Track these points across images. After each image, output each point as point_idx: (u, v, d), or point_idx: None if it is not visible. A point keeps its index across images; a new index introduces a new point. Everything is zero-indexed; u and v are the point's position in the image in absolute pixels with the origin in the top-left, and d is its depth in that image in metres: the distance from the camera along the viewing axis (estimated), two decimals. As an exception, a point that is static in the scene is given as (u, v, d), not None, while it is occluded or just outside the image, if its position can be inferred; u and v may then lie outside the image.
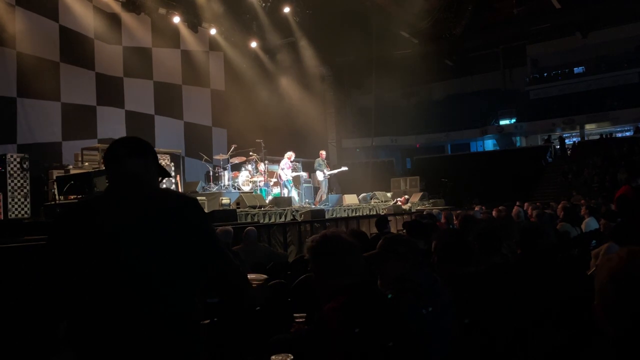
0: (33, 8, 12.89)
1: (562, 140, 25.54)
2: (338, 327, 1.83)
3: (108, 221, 1.66)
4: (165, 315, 1.60)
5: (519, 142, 30.65)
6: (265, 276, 3.84)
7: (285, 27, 18.11)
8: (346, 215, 11.96)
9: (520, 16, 22.02)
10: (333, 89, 24.34)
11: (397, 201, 15.09)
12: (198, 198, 10.99)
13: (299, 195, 13.87)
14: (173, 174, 11.94)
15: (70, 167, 10.47)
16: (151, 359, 1.59)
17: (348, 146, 26.66)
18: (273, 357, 2.00)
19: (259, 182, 12.85)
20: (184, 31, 16.98)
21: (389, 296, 2.19)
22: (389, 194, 16.08)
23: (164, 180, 12.09)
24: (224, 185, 12.21)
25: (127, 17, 15.48)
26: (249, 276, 2.23)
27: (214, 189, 12.06)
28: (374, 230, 7.83)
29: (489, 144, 31.59)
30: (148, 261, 1.61)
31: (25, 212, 10.12)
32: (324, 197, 13.53)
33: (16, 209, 9.97)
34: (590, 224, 6.74)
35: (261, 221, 9.51)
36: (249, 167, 13.02)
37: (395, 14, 18.00)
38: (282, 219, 10.18)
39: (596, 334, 1.24)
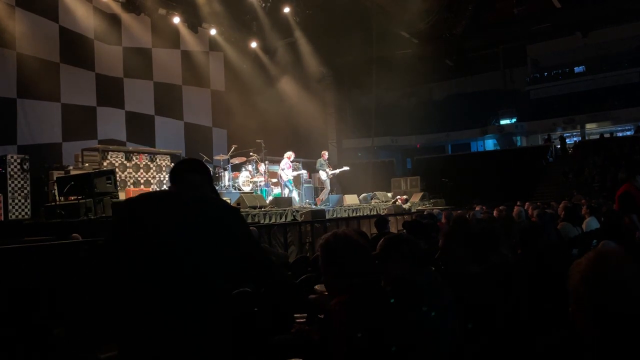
0: (33, 9, 12.90)
1: (562, 139, 25.51)
2: (342, 324, 1.83)
3: (156, 217, 1.85)
4: (199, 305, 1.72)
5: (520, 141, 30.63)
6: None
7: (286, 28, 18.11)
8: (347, 215, 11.95)
9: (521, 16, 22.00)
10: (333, 89, 24.34)
11: (397, 199, 15.08)
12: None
13: (299, 196, 13.87)
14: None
15: (71, 168, 10.47)
16: (183, 351, 1.69)
17: (348, 146, 26.65)
18: None
19: (260, 182, 12.84)
20: (184, 31, 16.99)
21: (392, 301, 2.19)
22: (389, 194, 16.08)
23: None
24: (225, 186, 12.21)
25: (127, 18, 15.49)
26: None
27: (214, 189, 12.03)
28: (375, 230, 7.82)
29: (490, 144, 31.58)
30: (186, 257, 1.75)
31: (26, 213, 10.12)
32: (324, 197, 13.53)
33: (16, 210, 9.97)
34: (591, 223, 6.73)
35: (262, 222, 9.50)
36: (250, 167, 13.02)
37: (396, 14, 17.99)
38: (283, 220, 10.17)
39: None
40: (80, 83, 14.11)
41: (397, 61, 21.52)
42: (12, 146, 11.99)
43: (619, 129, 28.38)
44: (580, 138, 27.80)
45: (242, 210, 9.79)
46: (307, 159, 15.61)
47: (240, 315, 2.96)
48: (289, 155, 12.84)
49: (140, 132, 15.55)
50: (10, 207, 9.85)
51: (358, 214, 12.37)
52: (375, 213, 12.69)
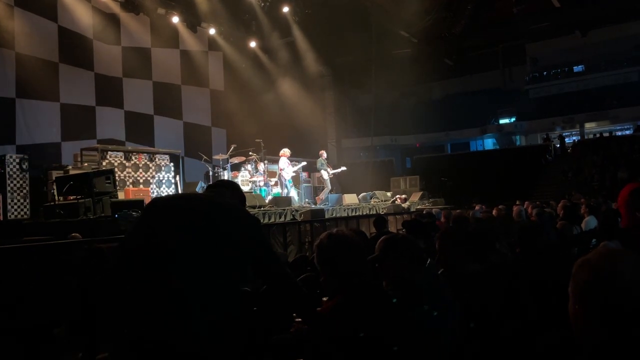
0: (32, 8, 12.89)
1: (562, 139, 25.53)
2: (337, 325, 1.82)
3: (161, 217, 1.91)
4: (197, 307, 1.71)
5: (519, 141, 30.64)
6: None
7: (285, 27, 18.10)
8: (346, 214, 11.94)
9: (520, 15, 21.98)
10: (332, 89, 24.34)
11: (396, 198, 15.08)
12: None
13: (298, 195, 13.86)
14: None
15: (70, 167, 10.46)
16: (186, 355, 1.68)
17: (348, 146, 26.65)
18: None
19: (259, 182, 12.84)
20: (183, 31, 16.98)
21: (394, 300, 2.19)
22: (388, 194, 16.07)
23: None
24: (224, 185, 12.18)
25: (125, 17, 15.48)
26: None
27: (213, 189, 12.03)
28: (374, 229, 7.82)
29: (489, 143, 31.59)
30: (181, 255, 1.77)
31: (25, 213, 10.11)
32: (324, 196, 13.53)
33: (15, 210, 9.96)
34: (590, 222, 6.73)
35: (261, 221, 9.49)
36: (249, 167, 13.01)
37: (395, 14, 17.99)
38: (282, 219, 10.17)
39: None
40: (79, 83, 14.10)
41: (396, 60, 21.53)
42: (11, 146, 11.98)
43: (618, 128, 28.40)
44: (579, 137, 27.81)
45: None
46: (307, 159, 15.60)
47: (239, 314, 2.95)
48: (284, 152, 12.81)
49: (140, 131, 15.54)
50: (9, 206, 9.84)
51: (357, 214, 12.36)
52: (374, 212, 12.69)
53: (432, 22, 19.50)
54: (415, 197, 15.61)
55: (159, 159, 12.28)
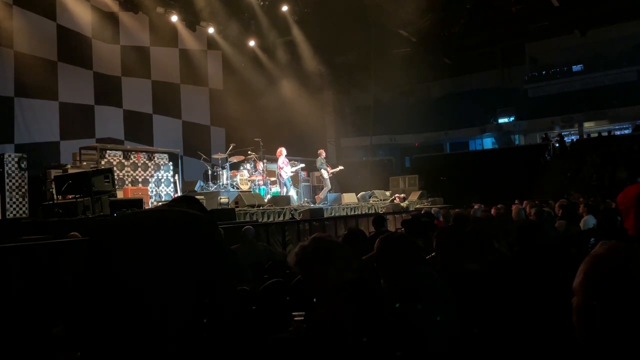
0: (30, 7, 12.86)
1: (561, 138, 25.54)
2: (336, 327, 1.82)
3: (115, 251, 1.77)
4: (161, 324, 1.64)
5: (518, 140, 30.65)
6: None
7: (284, 26, 18.08)
8: (345, 214, 11.95)
9: (519, 14, 21.96)
10: (331, 88, 24.32)
11: (395, 197, 15.08)
12: (197, 197, 11.02)
13: (297, 194, 13.87)
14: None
15: (69, 166, 10.45)
16: None
17: (347, 145, 26.64)
18: None
19: (258, 181, 12.84)
20: (182, 30, 16.97)
21: (397, 305, 2.18)
22: (387, 193, 16.08)
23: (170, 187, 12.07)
24: (223, 185, 12.20)
25: (124, 16, 15.46)
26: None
27: (212, 188, 12.05)
28: (373, 229, 7.82)
29: (488, 143, 31.59)
30: (143, 275, 1.67)
31: (24, 212, 10.11)
32: (323, 195, 13.54)
33: (14, 209, 9.96)
34: (588, 221, 6.74)
35: (260, 220, 9.50)
36: (248, 166, 13.02)
37: (394, 13, 17.98)
38: (281, 218, 10.17)
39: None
40: (78, 81, 14.08)
41: (395, 60, 21.50)
42: (9, 145, 11.96)
43: (617, 127, 28.40)
44: (578, 136, 27.82)
45: (240, 209, 9.79)
46: (306, 158, 15.60)
47: (238, 313, 2.95)
48: (281, 151, 12.83)
49: (138, 130, 15.53)
50: (7, 205, 9.84)
51: (356, 213, 12.37)
52: (373, 212, 12.70)
53: (431, 21, 19.49)
54: (414, 196, 15.62)
55: (157, 158, 12.27)
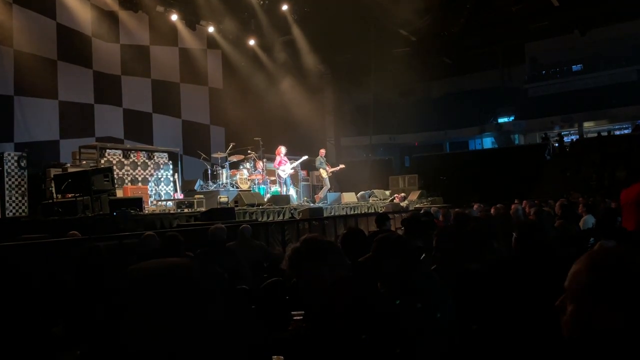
0: (30, 6, 12.86)
1: (560, 138, 25.54)
2: (331, 325, 1.82)
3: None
4: None
5: (518, 140, 30.66)
6: None
7: (284, 25, 18.08)
8: (345, 213, 11.96)
9: (519, 14, 21.96)
10: (331, 87, 24.31)
11: (395, 197, 15.09)
12: (196, 196, 11.03)
13: (297, 194, 13.87)
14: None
15: (68, 165, 10.45)
16: None
17: (346, 144, 26.64)
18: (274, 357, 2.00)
19: (258, 180, 12.84)
20: (182, 29, 16.96)
21: (397, 302, 2.19)
22: (387, 192, 16.08)
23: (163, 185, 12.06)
24: (222, 184, 12.20)
25: (124, 15, 15.45)
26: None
27: (212, 187, 12.05)
28: (372, 228, 7.82)
29: (488, 142, 31.59)
30: None
31: (23, 211, 10.10)
32: (323, 195, 13.54)
33: (14, 208, 9.95)
34: (587, 221, 6.75)
35: (259, 219, 9.50)
36: (248, 165, 13.01)
37: (394, 12, 17.96)
38: (281, 218, 10.17)
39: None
40: (78, 80, 14.08)
41: (395, 59, 21.50)
42: (9, 143, 11.96)
43: (617, 127, 28.41)
44: (578, 136, 27.83)
45: (240, 208, 9.79)
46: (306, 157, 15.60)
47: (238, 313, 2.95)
48: (279, 150, 12.84)
49: (138, 129, 15.53)
50: (7, 204, 9.83)
51: (356, 212, 12.38)
52: (373, 211, 12.70)
53: (431, 20, 19.48)
54: (414, 195, 15.63)
55: (157, 157, 12.27)
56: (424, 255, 3.15)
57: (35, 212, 9.61)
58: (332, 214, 11.40)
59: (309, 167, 15.36)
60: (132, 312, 1.01)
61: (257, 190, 12.40)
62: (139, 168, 11.78)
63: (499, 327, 2.46)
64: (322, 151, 14.02)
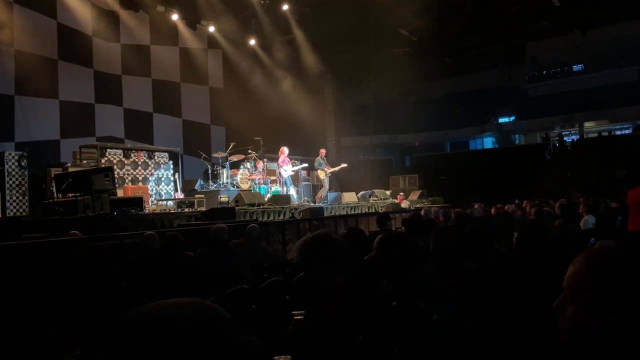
0: (31, 5, 12.87)
1: (561, 138, 25.54)
2: (334, 326, 1.82)
3: None
4: None
5: (518, 140, 30.65)
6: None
7: (284, 25, 18.08)
8: (345, 213, 11.96)
9: (520, 14, 21.96)
10: (332, 87, 24.32)
11: (397, 197, 15.09)
12: (197, 196, 11.04)
13: (297, 193, 13.88)
14: None
15: (69, 165, 10.45)
16: None
17: (347, 144, 26.64)
18: (275, 357, 1.99)
19: (258, 180, 12.85)
20: (183, 29, 16.96)
21: (394, 303, 2.19)
22: (387, 192, 16.09)
23: (164, 184, 12.05)
24: (223, 183, 12.21)
25: (125, 15, 15.46)
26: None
27: (212, 187, 12.05)
28: (373, 228, 7.82)
29: (488, 142, 31.59)
30: None
31: (24, 210, 10.10)
32: (323, 194, 13.54)
33: (14, 207, 9.96)
34: (588, 221, 6.74)
35: (260, 219, 9.50)
36: (248, 165, 13.01)
37: (394, 12, 17.96)
38: (281, 217, 10.18)
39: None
40: (79, 80, 14.08)
41: (395, 59, 21.50)
42: (9, 143, 11.96)
43: (617, 127, 28.40)
44: (578, 136, 27.82)
45: (240, 207, 9.80)
46: (306, 157, 15.60)
47: (238, 312, 2.95)
48: (282, 150, 12.87)
49: (139, 129, 15.53)
50: (7, 204, 9.83)
51: (356, 212, 12.38)
52: (373, 211, 12.71)
53: (432, 20, 19.48)
54: (414, 195, 15.64)
55: (158, 157, 12.27)
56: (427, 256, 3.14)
57: (36, 211, 9.62)
58: (333, 213, 11.41)
59: (310, 167, 15.37)
60: None
61: (257, 189, 12.40)
62: (140, 168, 11.78)
63: (499, 327, 2.47)
64: (322, 151, 14.02)
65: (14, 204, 9.97)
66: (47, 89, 13.10)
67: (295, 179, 13.98)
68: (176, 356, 0.74)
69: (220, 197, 10.90)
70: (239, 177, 12.61)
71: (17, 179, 10.04)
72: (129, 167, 11.56)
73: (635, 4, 21.10)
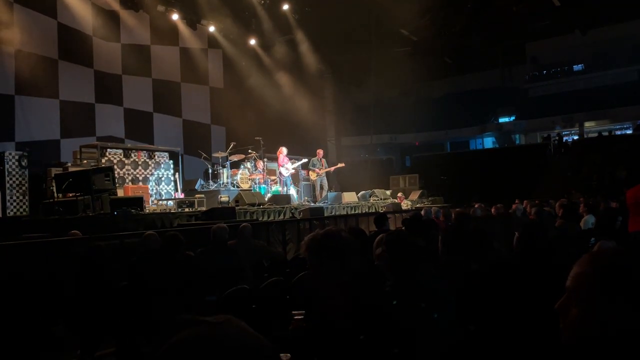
0: (31, 5, 12.86)
1: (561, 138, 25.53)
2: (336, 324, 1.82)
3: None
4: None
5: (518, 140, 30.65)
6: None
7: (284, 25, 18.08)
8: (345, 213, 11.96)
9: (520, 14, 21.97)
10: (332, 87, 24.31)
11: (398, 197, 15.08)
12: (197, 196, 11.04)
13: (297, 193, 13.87)
14: None
15: (69, 164, 10.45)
16: None
17: (347, 144, 26.63)
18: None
19: (258, 179, 12.85)
20: (183, 28, 16.96)
21: (394, 302, 2.18)
22: (388, 192, 16.08)
23: (164, 185, 12.05)
24: (223, 183, 12.20)
25: (125, 14, 15.45)
26: None
27: (212, 186, 12.05)
28: (373, 228, 7.81)
29: (488, 142, 31.58)
30: None
31: (24, 210, 10.11)
32: (319, 196, 13.55)
33: (14, 207, 9.96)
34: (588, 221, 6.74)
35: (260, 219, 9.50)
36: (248, 164, 13.01)
37: (395, 11, 17.97)
38: (281, 217, 10.17)
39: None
40: (79, 80, 14.07)
41: (396, 59, 21.51)
42: (10, 143, 11.96)
43: (618, 127, 28.40)
44: (579, 136, 27.81)
45: (240, 207, 9.79)
46: (306, 157, 15.60)
47: (238, 312, 2.95)
48: (281, 150, 12.89)
49: (139, 129, 15.53)
50: (8, 203, 9.84)
51: (356, 212, 12.38)
52: (373, 211, 12.70)
53: (432, 20, 19.49)
54: (415, 195, 15.63)
55: (158, 157, 12.27)
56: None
57: (36, 211, 9.62)
58: (333, 213, 11.40)
59: (304, 165, 15.37)
60: None
61: (257, 189, 12.40)
62: (140, 167, 11.78)
63: (499, 327, 2.46)
64: (319, 152, 14.00)
65: (14, 203, 9.97)
66: (48, 88, 13.10)
67: (295, 178, 13.97)
68: None
69: (221, 197, 10.90)
70: (239, 177, 12.60)
71: (17, 179, 10.05)
72: (129, 167, 11.56)
73: (635, 4, 21.11)
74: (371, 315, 1.92)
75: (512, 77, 30.97)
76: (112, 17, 15.10)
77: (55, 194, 8.76)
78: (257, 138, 13.20)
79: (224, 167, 12.53)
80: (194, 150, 14.39)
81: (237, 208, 9.49)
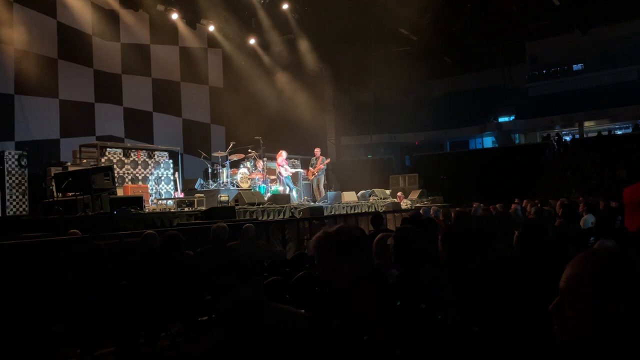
0: (31, 4, 12.87)
1: (560, 137, 25.54)
2: (340, 324, 1.82)
3: None
4: None
5: (518, 139, 30.65)
6: None
7: (284, 24, 18.07)
8: (345, 212, 11.96)
9: (520, 13, 21.97)
10: (332, 86, 24.31)
11: (397, 197, 15.08)
12: (196, 195, 11.04)
13: (297, 193, 13.88)
14: None
15: (69, 164, 10.44)
16: None
17: (347, 143, 26.64)
18: None
19: (258, 179, 12.84)
20: (183, 28, 16.95)
21: (398, 303, 2.18)
22: (387, 192, 16.08)
23: (163, 184, 12.05)
24: (223, 183, 12.20)
25: (125, 14, 15.45)
26: None
27: (212, 186, 12.05)
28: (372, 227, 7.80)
29: (488, 141, 31.59)
30: None
31: (24, 210, 10.10)
32: (318, 195, 13.58)
33: (14, 206, 9.96)
34: (588, 220, 6.74)
35: (260, 218, 9.50)
36: (248, 164, 13.01)
37: (394, 11, 17.97)
38: (281, 216, 10.17)
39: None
40: (79, 79, 14.07)
41: (395, 58, 21.52)
42: (9, 142, 11.97)
43: (617, 126, 28.41)
44: (578, 135, 27.82)
45: (240, 207, 9.79)
46: (305, 156, 15.61)
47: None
48: (281, 153, 12.97)
49: (139, 128, 15.53)
50: (7, 203, 9.84)
51: (356, 211, 12.38)
52: (373, 210, 12.70)
53: (432, 19, 19.48)
54: (414, 195, 15.63)
55: (157, 156, 12.26)
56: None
57: (36, 210, 9.61)
58: (333, 213, 11.41)
59: (308, 166, 15.39)
60: None
61: (257, 189, 12.40)
62: (140, 167, 11.77)
63: (500, 327, 2.46)
64: (316, 150, 14.06)
65: (14, 203, 9.97)
66: (47, 88, 13.10)
67: (295, 178, 13.99)
68: None
69: (220, 197, 10.90)
70: (238, 177, 12.60)
71: (17, 178, 10.04)
72: (129, 166, 11.55)
73: (635, 4, 21.11)
74: (377, 315, 1.92)
75: (511, 76, 30.97)
76: (111, 17, 15.09)
77: (55, 194, 8.76)
78: (257, 137, 13.20)
79: (223, 166, 12.53)
80: (194, 150, 14.38)
81: (236, 207, 9.49)
